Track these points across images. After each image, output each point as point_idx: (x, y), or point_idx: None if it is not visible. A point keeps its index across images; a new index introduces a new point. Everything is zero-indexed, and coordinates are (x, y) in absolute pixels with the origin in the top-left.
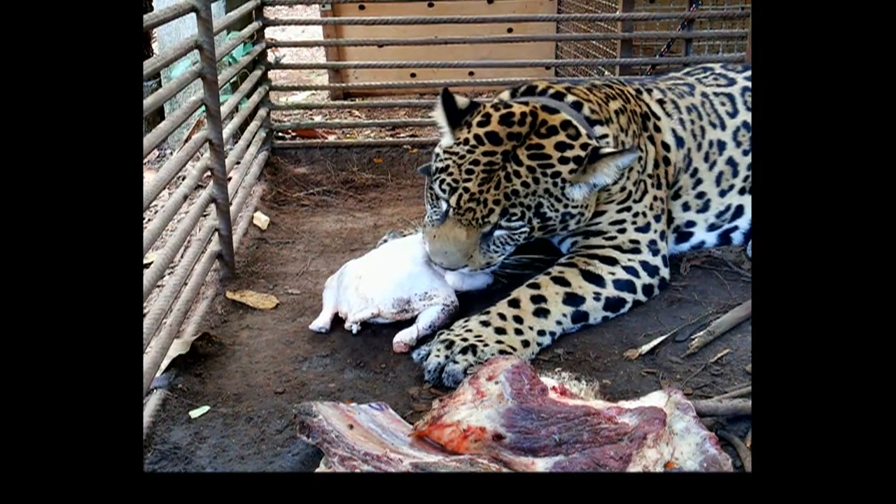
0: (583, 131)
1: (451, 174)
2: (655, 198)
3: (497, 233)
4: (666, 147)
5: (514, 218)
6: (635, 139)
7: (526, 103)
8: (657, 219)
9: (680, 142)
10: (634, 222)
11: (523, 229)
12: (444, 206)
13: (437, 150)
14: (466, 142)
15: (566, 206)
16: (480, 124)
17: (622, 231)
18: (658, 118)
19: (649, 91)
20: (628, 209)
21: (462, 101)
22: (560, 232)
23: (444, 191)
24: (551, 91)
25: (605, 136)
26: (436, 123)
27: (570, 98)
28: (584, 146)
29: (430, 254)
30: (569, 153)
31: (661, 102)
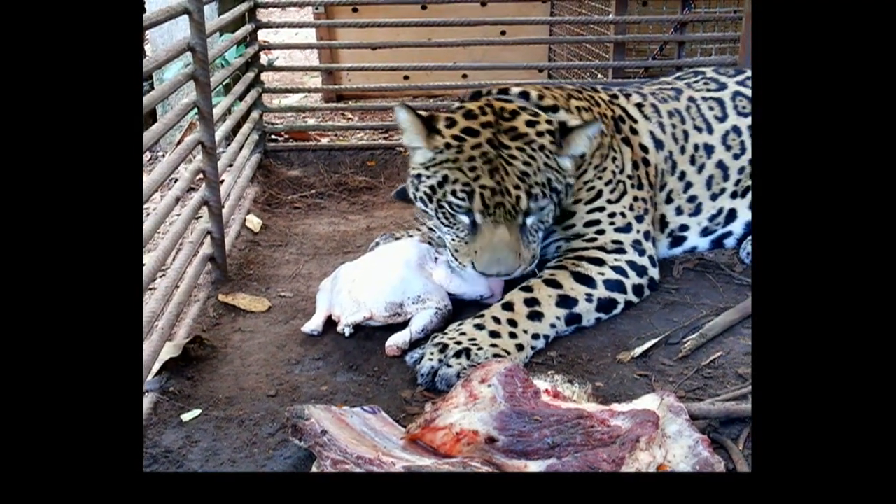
0: (540, 112)
1: (456, 181)
2: (636, 198)
3: (529, 221)
4: (644, 149)
5: (538, 199)
6: (602, 138)
7: (477, 100)
8: (639, 219)
9: (659, 144)
10: (612, 223)
11: (549, 208)
12: (465, 219)
13: (416, 169)
14: (448, 146)
15: (564, 177)
16: (449, 126)
17: (601, 232)
18: (635, 121)
19: (627, 96)
20: (601, 209)
21: (422, 112)
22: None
23: (462, 199)
24: (496, 90)
25: (564, 121)
26: (406, 141)
27: (515, 90)
28: (548, 121)
29: (483, 269)
30: (540, 128)
31: (639, 106)
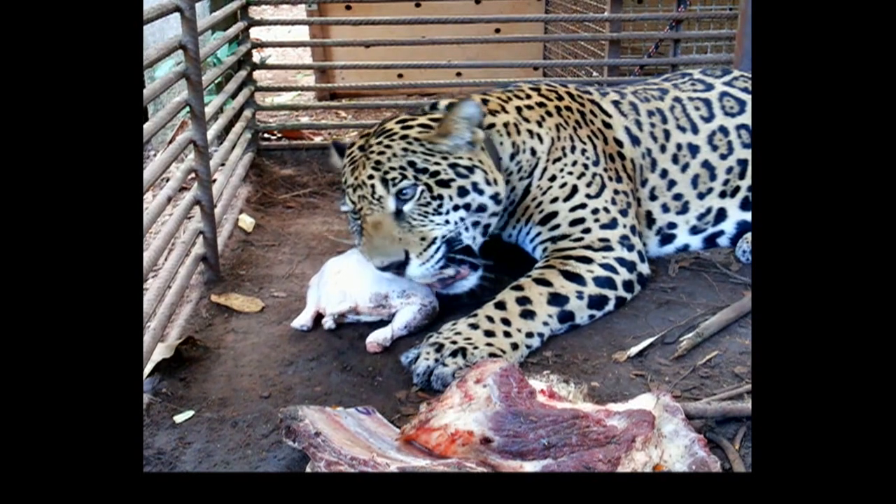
0: (433, 115)
1: (343, 191)
2: (617, 191)
3: (406, 208)
4: (618, 143)
5: (396, 181)
6: (560, 132)
7: None
8: (623, 213)
9: (635, 140)
10: (597, 220)
11: (420, 190)
12: (357, 223)
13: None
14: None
15: (446, 157)
16: (351, 146)
17: (587, 231)
18: (609, 115)
19: (604, 93)
20: (583, 206)
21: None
22: (484, 195)
23: (343, 204)
24: (427, 105)
25: (493, 124)
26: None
27: (443, 103)
28: (432, 119)
29: (372, 261)
30: (410, 123)
31: (616, 103)
